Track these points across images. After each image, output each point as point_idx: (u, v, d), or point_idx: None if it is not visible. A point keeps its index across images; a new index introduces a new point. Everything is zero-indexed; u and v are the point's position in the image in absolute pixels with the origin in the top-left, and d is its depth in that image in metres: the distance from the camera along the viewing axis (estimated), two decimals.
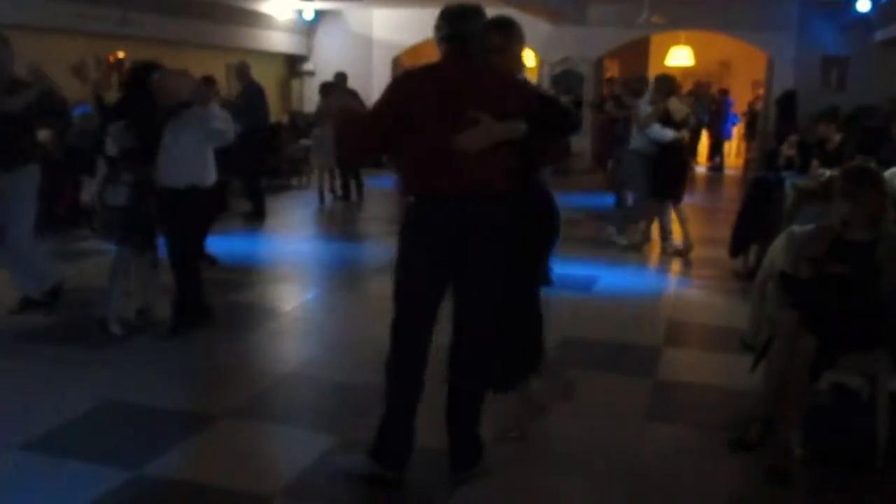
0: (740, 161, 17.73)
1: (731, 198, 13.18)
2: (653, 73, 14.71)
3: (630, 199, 10.30)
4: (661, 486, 3.46)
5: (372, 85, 15.22)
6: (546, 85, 14.78)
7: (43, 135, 7.78)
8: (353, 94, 11.55)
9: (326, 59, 15.80)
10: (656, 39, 17.03)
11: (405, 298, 3.34)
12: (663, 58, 16.51)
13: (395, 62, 16.22)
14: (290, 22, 15.56)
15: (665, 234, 8.29)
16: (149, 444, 3.66)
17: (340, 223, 10.34)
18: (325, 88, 11.52)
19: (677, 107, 8.07)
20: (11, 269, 5.52)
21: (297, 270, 7.50)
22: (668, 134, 7.89)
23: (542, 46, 15.31)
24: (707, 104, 15.92)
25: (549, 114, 3.38)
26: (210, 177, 5.21)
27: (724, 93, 16.83)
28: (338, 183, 11.49)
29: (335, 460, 3.54)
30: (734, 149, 18.63)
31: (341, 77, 11.73)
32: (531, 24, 12.78)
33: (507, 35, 3.49)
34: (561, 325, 5.10)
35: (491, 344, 3.41)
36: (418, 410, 3.37)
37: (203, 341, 5.14)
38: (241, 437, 3.85)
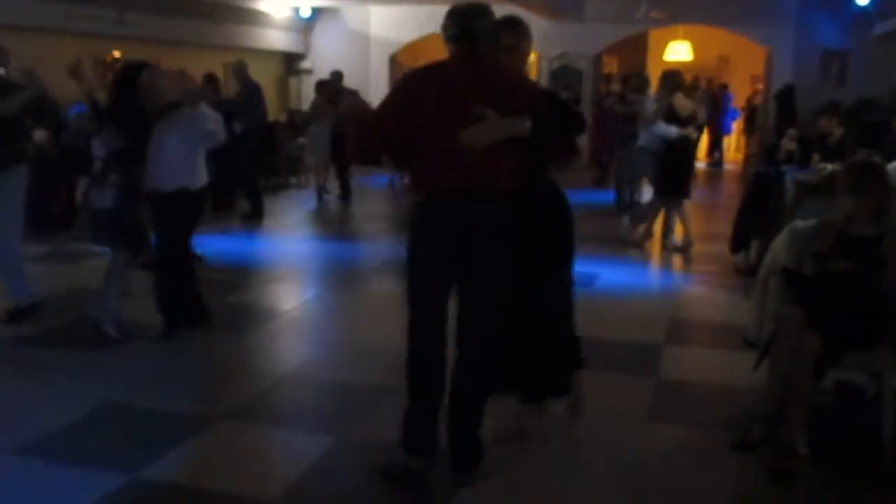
0: (740, 156, 17.70)
1: (730, 193, 13.14)
2: (651, 68, 14.72)
3: (627, 194, 10.31)
4: (663, 487, 3.42)
5: (369, 82, 15.20)
6: (544, 81, 14.74)
7: (38, 135, 7.77)
8: (353, 93, 11.50)
9: (324, 57, 15.74)
10: (654, 35, 16.99)
11: (415, 297, 3.37)
12: (662, 53, 16.47)
13: (393, 59, 16.17)
14: (287, 20, 15.51)
15: (667, 230, 8.25)
16: (146, 448, 3.63)
17: (338, 222, 10.30)
18: (321, 86, 11.47)
19: (683, 103, 8.00)
20: (2, 274, 5.45)
21: (296, 270, 7.47)
22: (673, 131, 7.83)
23: (540, 42, 15.23)
24: (703, 99, 15.89)
25: (556, 113, 3.37)
26: (200, 179, 5.11)
27: (724, 88, 16.78)
28: (330, 182, 11.33)
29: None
30: (733, 144, 18.58)
31: (337, 75, 11.67)
32: (529, 19, 12.69)
33: (517, 34, 3.49)
34: None
35: (494, 345, 3.39)
36: (442, 403, 3.40)
37: (201, 342, 5.10)
38: (240, 439, 3.81)
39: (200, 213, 5.29)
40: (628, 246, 8.21)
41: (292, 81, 16.46)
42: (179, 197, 4.94)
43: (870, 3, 12.97)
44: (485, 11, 3.28)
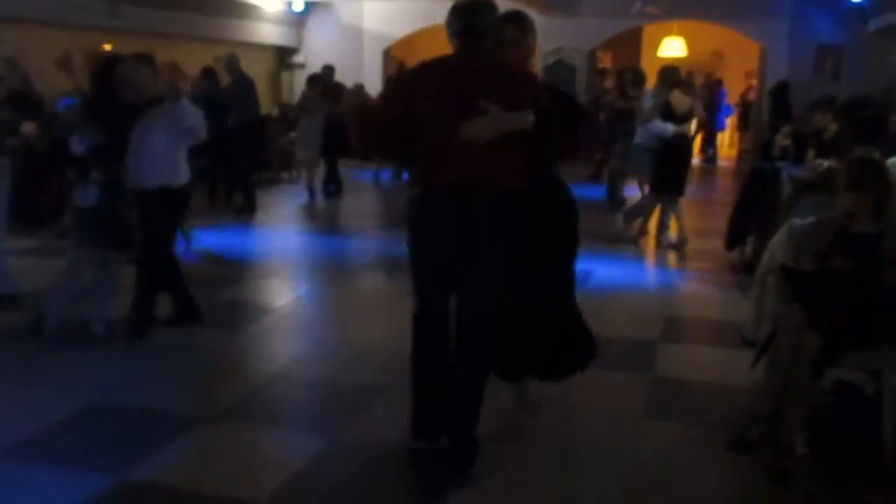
0: (734, 152, 17.67)
1: (725, 189, 13.14)
2: (645, 64, 14.66)
3: (623, 191, 10.27)
4: (661, 486, 3.38)
5: (363, 77, 15.09)
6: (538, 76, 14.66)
7: (27, 128, 7.68)
8: (359, 87, 11.39)
9: (317, 51, 15.63)
10: (648, 30, 16.93)
11: (418, 291, 3.38)
12: (656, 49, 16.41)
13: (386, 54, 16.08)
14: (279, 14, 15.40)
15: (662, 227, 8.21)
16: (133, 449, 3.55)
17: (330, 217, 10.22)
18: (313, 81, 11.37)
19: (680, 100, 7.94)
20: None
21: (288, 265, 7.40)
22: (669, 128, 7.78)
23: None
24: (701, 96, 15.85)
25: (560, 106, 3.37)
26: (182, 176, 5.00)
27: (718, 84, 16.74)
28: (319, 177, 11.15)
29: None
30: (727, 140, 18.55)
31: (329, 69, 11.56)
32: None
33: (521, 28, 3.48)
34: None
35: (489, 342, 3.36)
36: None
37: (191, 340, 5.03)
38: (230, 439, 3.74)
39: (184, 211, 5.17)
40: (623, 243, 8.15)
41: (285, 76, 16.36)
42: (162, 194, 4.84)
43: None
44: (488, 7, 3.31)
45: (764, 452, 3.47)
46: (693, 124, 8.37)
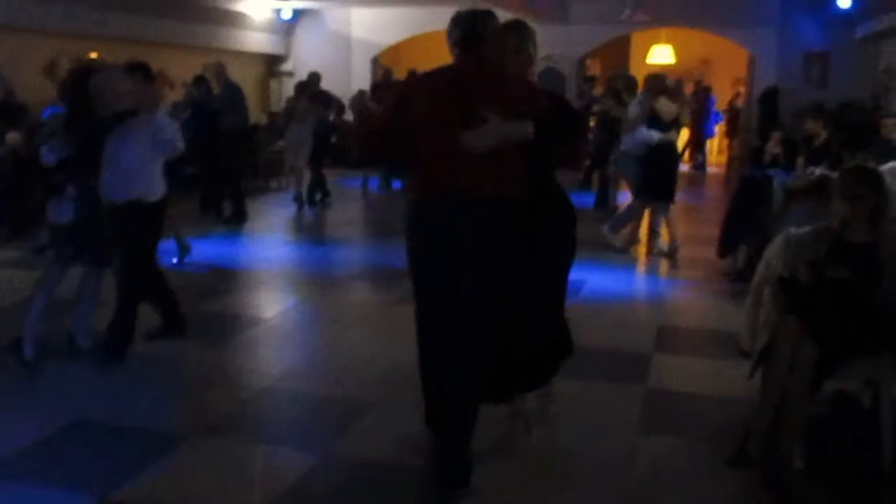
0: (723, 158, 17.69)
1: (715, 196, 13.14)
2: (634, 71, 14.66)
3: (616, 198, 10.24)
4: (657, 501, 3.33)
5: (351, 85, 15.05)
6: None
7: (11, 137, 7.58)
8: (361, 93, 11.29)
9: (305, 59, 15.59)
10: (637, 38, 16.97)
11: (416, 296, 3.39)
12: (644, 56, 16.44)
13: (375, 62, 16.04)
14: (268, 22, 15.33)
15: (653, 234, 8.17)
16: (117, 466, 3.47)
17: (319, 227, 10.14)
18: (302, 88, 11.30)
19: (666, 107, 7.94)
20: None
21: (276, 276, 7.30)
22: (654, 135, 7.77)
23: None
24: (689, 103, 15.92)
25: (561, 116, 3.40)
26: (157, 190, 4.85)
27: (707, 91, 16.77)
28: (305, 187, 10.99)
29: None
30: (716, 146, 18.57)
31: (314, 77, 11.44)
32: None
33: (522, 37, 3.50)
34: None
35: (482, 352, 3.32)
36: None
37: (177, 354, 4.94)
38: (217, 456, 3.65)
39: (160, 226, 4.97)
40: (614, 251, 8.09)
41: (273, 83, 16.29)
42: (136, 208, 4.68)
43: (851, 6, 12.99)
44: (489, 16, 3.36)
45: (762, 466, 3.42)
46: (684, 131, 8.34)
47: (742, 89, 16.88)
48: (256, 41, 15.19)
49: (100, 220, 4.69)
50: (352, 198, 12.27)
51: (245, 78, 12.93)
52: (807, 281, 3.52)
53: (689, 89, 17.03)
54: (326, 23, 16.10)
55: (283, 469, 3.52)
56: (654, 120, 7.86)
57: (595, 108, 11.77)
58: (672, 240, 7.97)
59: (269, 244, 8.71)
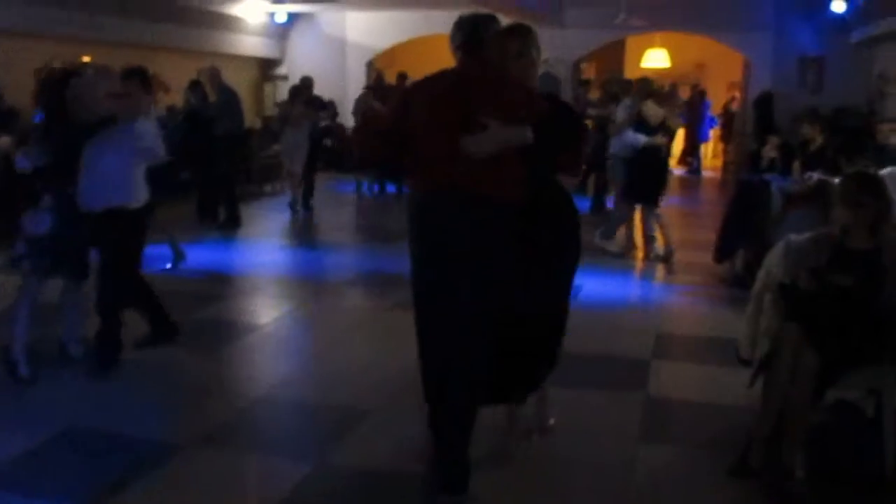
0: (718, 163, 17.70)
1: (711, 201, 13.12)
2: (628, 75, 14.68)
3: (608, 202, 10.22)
4: None
5: (346, 88, 15.02)
6: None
7: (3, 141, 7.51)
8: (366, 94, 11.29)
9: (300, 63, 15.51)
10: (632, 42, 16.96)
11: (415, 297, 3.37)
12: (639, 60, 16.43)
13: (370, 65, 16.00)
14: (262, 25, 15.28)
15: (647, 239, 8.14)
16: (109, 476, 3.42)
17: (314, 231, 10.08)
18: (297, 93, 11.24)
19: (653, 111, 7.99)
20: None
21: (271, 282, 7.24)
22: (640, 139, 7.84)
23: None
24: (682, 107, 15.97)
25: (562, 120, 3.40)
26: (139, 197, 4.71)
27: (702, 95, 16.78)
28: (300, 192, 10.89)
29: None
30: (710, 151, 18.59)
31: (307, 80, 11.33)
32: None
33: (524, 41, 3.47)
34: None
35: (479, 354, 3.30)
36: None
37: (171, 361, 4.88)
38: (211, 466, 3.60)
39: (143, 233, 4.84)
40: (612, 257, 8.05)
41: (268, 87, 16.23)
42: (116, 216, 4.53)
43: (846, 11, 13.00)
44: (490, 20, 3.39)
45: (764, 475, 3.38)
46: (679, 134, 8.33)
47: (737, 94, 16.89)
48: (251, 45, 15.13)
49: (77, 230, 4.53)
50: (346, 202, 12.23)
51: (239, 82, 12.87)
52: (808, 288, 3.48)
53: (685, 93, 17.08)
54: (321, 26, 16.06)
55: (278, 478, 3.47)
56: (640, 124, 7.91)
57: (591, 111, 11.74)
58: (667, 244, 7.95)
59: (263, 249, 8.64)
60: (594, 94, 13.75)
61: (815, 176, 6.31)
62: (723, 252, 7.12)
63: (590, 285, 6.83)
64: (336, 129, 13.99)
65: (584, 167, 11.94)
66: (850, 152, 7.20)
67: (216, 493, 3.36)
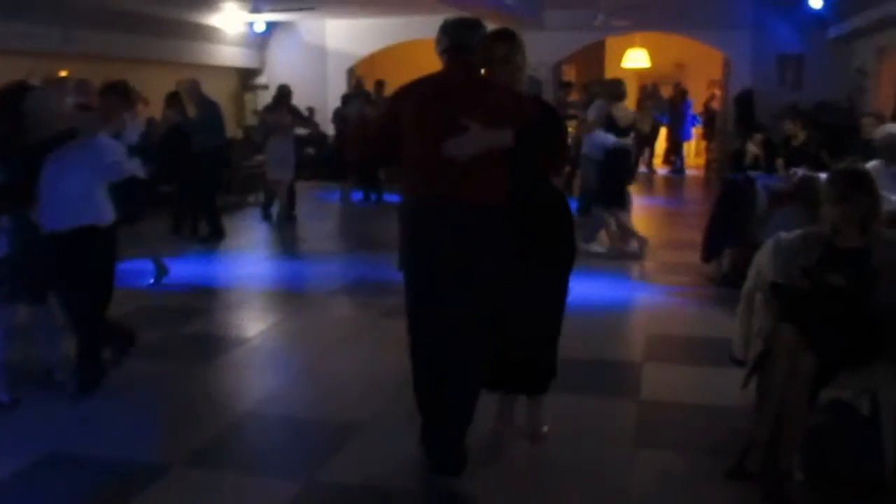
0: (701, 161, 17.74)
1: (694, 199, 13.14)
2: (609, 76, 14.69)
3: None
4: None
5: (327, 96, 14.95)
6: None
7: None
8: (360, 97, 11.27)
9: (280, 72, 15.41)
10: (612, 43, 16.98)
11: (407, 300, 3.39)
12: (619, 61, 16.46)
13: (351, 73, 15.94)
14: (241, 35, 15.18)
15: (629, 237, 8.20)
16: (96, 501, 3.34)
17: (299, 241, 9.99)
18: (279, 101, 11.11)
19: (622, 113, 8.05)
20: None
21: (255, 294, 7.14)
22: (610, 139, 7.88)
23: None
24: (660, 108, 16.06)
25: (547, 123, 3.41)
26: (104, 215, 4.51)
27: (684, 94, 16.82)
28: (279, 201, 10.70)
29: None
30: (693, 149, 18.64)
31: (284, 89, 11.15)
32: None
33: (510, 45, 3.50)
34: None
35: (473, 353, 3.33)
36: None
37: (158, 378, 4.78)
38: (199, 486, 3.52)
39: (109, 254, 4.60)
40: (602, 258, 8.01)
41: (248, 97, 16.12)
42: (86, 236, 4.34)
43: (823, 7, 13.06)
44: (476, 25, 3.44)
45: (762, 478, 3.34)
46: (662, 133, 8.36)
47: (717, 91, 16.95)
48: (230, 55, 15.02)
49: (36, 253, 4.33)
50: (331, 211, 12.14)
51: (219, 92, 12.78)
52: (801, 288, 3.45)
53: (667, 92, 17.13)
54: (301, 34, 15.99)
55: (269, 498, 3.40)
56: (610, 125, 7.98)
57: (573, 112, 11.75)
58: (630, 239, 8.01)
59: (247, 261, 8.54)
60: (575, 97, 13.76)
61: (800, 172, 6.31)
62: (710, 251, 7.10)
63: (577, 288, 6.76)
64: (318, 138, 13.91)
65: (569, 168, 11.98)
66: (832, 147, 7.23)
67: None
